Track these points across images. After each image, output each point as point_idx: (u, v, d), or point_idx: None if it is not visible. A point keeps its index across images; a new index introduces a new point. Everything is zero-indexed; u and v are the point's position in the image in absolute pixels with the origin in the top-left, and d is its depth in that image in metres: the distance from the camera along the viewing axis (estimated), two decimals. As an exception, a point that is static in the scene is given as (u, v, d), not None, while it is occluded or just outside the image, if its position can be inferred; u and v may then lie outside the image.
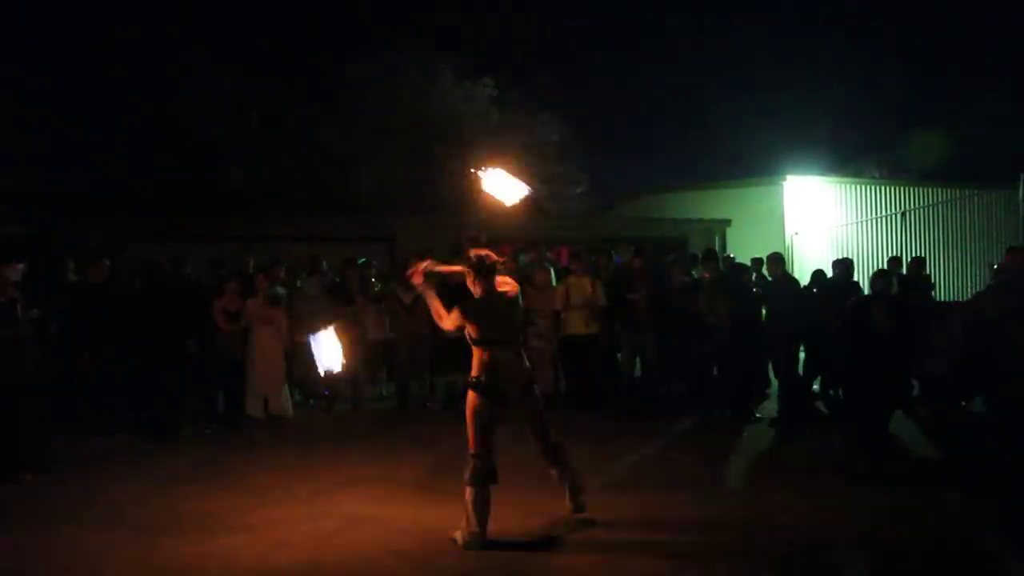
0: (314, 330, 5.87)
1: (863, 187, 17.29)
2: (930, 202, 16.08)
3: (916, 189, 17.07)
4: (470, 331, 4.72)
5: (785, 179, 16.72)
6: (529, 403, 4.82)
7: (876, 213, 16.34)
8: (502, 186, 5.00)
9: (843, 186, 17.15)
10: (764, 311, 8.91)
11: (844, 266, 9.12)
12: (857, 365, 7.18)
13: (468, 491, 4.62)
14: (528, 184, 5.09)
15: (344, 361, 5.73)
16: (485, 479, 4.59)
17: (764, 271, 9.45)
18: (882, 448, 6.67)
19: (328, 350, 5.64)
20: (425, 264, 4.91)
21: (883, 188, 17.30)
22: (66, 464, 6.70)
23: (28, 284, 7.19)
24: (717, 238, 16.33)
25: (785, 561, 4.43)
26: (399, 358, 9.13)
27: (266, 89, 22.42)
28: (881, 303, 7.23)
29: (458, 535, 4.64)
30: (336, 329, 5.78)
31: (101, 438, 7.63)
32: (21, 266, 7.41)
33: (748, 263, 9.87)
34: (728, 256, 11.81)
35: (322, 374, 6.19)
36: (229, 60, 21.76)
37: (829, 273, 9.31)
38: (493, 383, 4.64)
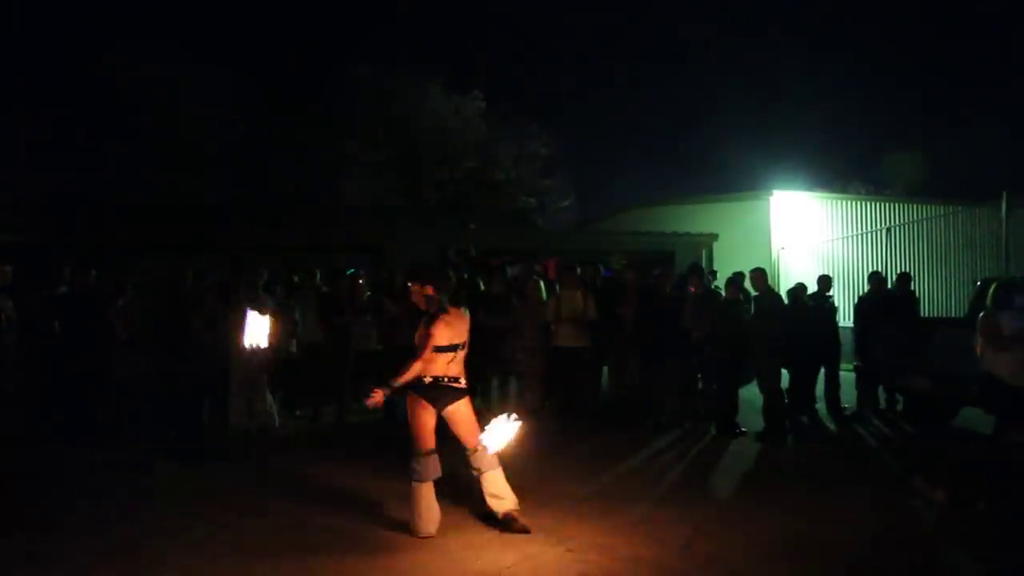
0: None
1: (849, 203, 17.42)
2: (915, 218, 16.24)
3: (901, 205, 17.25)
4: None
5: (772, 194, 16.82)
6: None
7: (862, 229, 16.48)
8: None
9: (829, 201, 17.28)
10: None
11: (819, 282, 9.96)
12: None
13: None
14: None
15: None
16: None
17: (748, 285, 9.51)
18: None
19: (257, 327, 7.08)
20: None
21: (869, 204, 17.44)
22: (48, 474, 6.62)
23: (17, 290, 7.15)
24: (704, 252, 16.43)
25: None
26: (386, 370, 9.06)
27: (254, 99, 22.42)
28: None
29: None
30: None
31: (83, 448, 7.53)
32: (9, 268, 7.37)
33: (733, 277, 9.92)
34: (712, 271, 11.85)
35: (248, 346, 7.43)
36: (217, 70, 21.77)
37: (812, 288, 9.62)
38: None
